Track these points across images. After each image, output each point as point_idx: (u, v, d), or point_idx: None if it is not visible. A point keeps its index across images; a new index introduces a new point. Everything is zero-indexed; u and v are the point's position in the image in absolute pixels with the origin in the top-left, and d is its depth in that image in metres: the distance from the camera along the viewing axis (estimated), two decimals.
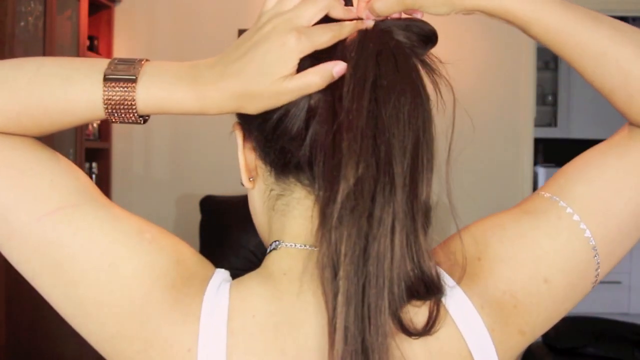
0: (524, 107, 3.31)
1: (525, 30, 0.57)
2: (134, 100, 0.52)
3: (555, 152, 4.87)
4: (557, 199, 0.59)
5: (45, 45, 2.54)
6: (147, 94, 0.53)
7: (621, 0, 3.41)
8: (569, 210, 0.58)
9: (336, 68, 0.52)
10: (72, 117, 0.54)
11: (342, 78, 0.52)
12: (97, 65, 0.54)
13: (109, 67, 0.53)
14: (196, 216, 3.10)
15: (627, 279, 4.54)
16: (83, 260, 0.52)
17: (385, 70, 0.52)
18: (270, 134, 0.56)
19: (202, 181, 3.24)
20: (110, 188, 3.33)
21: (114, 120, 0.54)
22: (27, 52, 2.43)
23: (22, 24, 2.38)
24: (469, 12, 0.56)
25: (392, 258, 0.49)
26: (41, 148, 0.55)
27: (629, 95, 0.56)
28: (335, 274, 0.49)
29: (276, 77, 0.51)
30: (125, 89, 0.52)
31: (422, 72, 0.56)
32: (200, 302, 0.52)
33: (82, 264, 0.52)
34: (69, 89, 0.53)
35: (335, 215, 0.49)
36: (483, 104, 3.24)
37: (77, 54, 2.88)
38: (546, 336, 2.53)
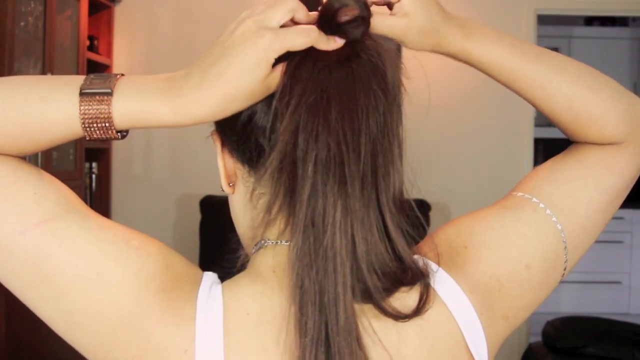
0: (524, 107, 3.30)
1: (480, 68, 0.64)
2: (110, 113, 0.52)
3: (555, 152, 4.84)
4: (530, 196, 0.65)
5: (45, 45, 2.54)
6: (124, 107, 0.53)
7: (621, 0, 3.40)
8: (542, 205, 0.64)
9: None
10: (49, 134, 0.54)
11: (302, 89, 0.54)
12: (73, 82, 0.54)
13: (84, 83, 0.53)
14: (196, 216, 3.10)
15: (627, 279, 4.54)
16: (70, 271, 0.52)
17: (335, 76, 0.54)
18: (242, 131, 0.58)
19: (202, 181, 3.24)
20: (110, 188, 3.34)
21: (92, 136, 0.54)
22: (27, 52, 2.43)
23: (22, 24, 2.39)
24: (441, 53, 0.64)
25: (353, 252, 0.52)
26: (22, 164, 0.55)
27: (575, 114, 0.65)
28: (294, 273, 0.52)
29: (259, 77, 0.53)
30: (101, 102, 0.52)
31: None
32: (193, 304, 0.53)
33: (69, 275, 0.52)
34: (45, 106, 0.53)
35: (275, 212, 0.54)
36: (483, 104, 3.25)
37: (77, 53, 2.88)
38: (546, 336, 2.53)
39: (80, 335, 0.53)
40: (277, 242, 0.58)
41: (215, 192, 3.12)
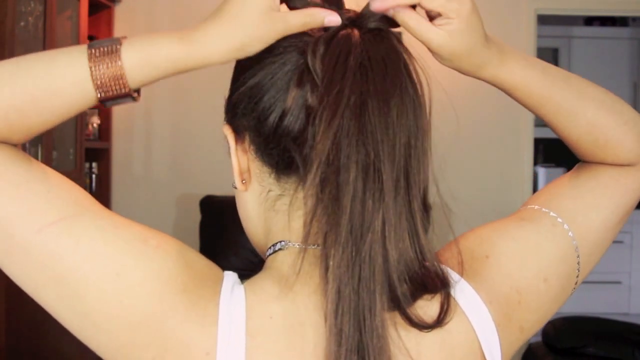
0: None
1: (510, 94, 0.64)
2: (119, 57, 0.51)
3: (555, 152, 4.87)
4: (547, 210, 0.65)
5: (45, 45, 2.54)
6: (132, 50, 0.52)
7: (622, 0, 3.40)
8: (559, 219, 0.64)
9: (329, 18, 0.55)
10: (60, 99, 0.52)
11: (341, 90, 0.52)
12: (79, 45, 0.54)
13: (90, 44, 0.53)
14: (196, 216, 3.10)
15: (627, 279, 4.54)
16: (87, 271, 0.51)
17: (372, 77, 0.53)
18: (272, 134, 0.56)
19: (202, 181, 3.24)
20: (110, 188, 3.34)
21: (103, 93, 0.52)
22: (27, 52, 2.41)
23: (22, 24, 2.38)
24: (471, 76, 0.62)
25: (386, 261, 0.51)
26: (32, 162, 0.54)
27: (594, 139, 0.65)
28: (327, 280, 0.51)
29: (262, 5, 0.53)
30: (111, 53, 0.51)
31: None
32: (216, 304, 0.52)
33: (87, 276, 0.51)
34: (53, 69, 0.52)
35: (322, 221, 0.51)
36: (483, 104, 3.24)
37: None
38: (546, 336, 2.53)
39: (98, 335, 0.52)
40: (302, 246, 0.55)
41: (215, 192, 3.12)
